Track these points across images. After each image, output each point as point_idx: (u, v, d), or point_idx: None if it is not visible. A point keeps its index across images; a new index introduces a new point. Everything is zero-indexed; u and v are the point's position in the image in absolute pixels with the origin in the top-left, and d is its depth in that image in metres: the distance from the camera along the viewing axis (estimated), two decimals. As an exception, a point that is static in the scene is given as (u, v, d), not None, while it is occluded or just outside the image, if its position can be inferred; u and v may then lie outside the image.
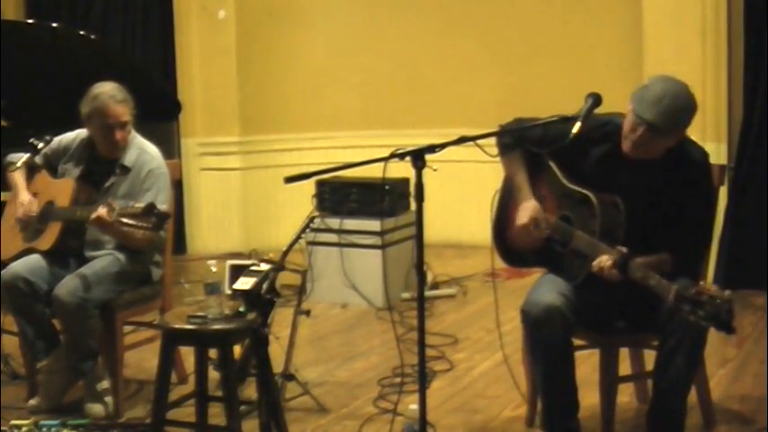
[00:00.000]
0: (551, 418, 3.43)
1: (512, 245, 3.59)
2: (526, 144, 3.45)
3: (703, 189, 3.33)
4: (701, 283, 2.87)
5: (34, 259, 3.94)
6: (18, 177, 4.11)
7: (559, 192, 3.45)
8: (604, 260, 3.15)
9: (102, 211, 3.67)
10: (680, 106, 3.13)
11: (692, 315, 2.84)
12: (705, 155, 3.34)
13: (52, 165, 4.14)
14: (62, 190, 4.00)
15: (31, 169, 4.14)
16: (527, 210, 3.44)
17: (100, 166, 4.04)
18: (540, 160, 3.49)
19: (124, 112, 3.95)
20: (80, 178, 4.02)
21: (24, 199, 4.04)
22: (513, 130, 3.44)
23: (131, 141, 4.03)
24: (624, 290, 3.21)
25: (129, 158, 4.00)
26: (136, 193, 3.93)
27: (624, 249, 3.10)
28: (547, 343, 3.30)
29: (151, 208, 3.54)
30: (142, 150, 4.04)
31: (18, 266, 3.89)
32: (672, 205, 3.28)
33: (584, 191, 3.33)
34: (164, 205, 3.83)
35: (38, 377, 4.02)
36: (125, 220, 3.60)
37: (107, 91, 3.94)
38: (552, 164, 3.48)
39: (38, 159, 4.11)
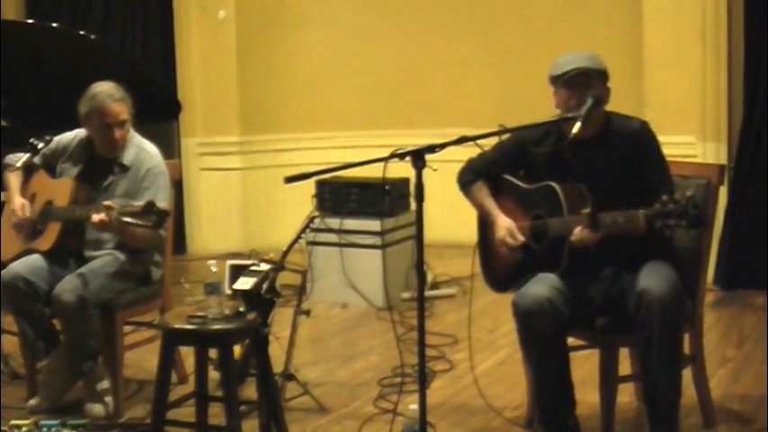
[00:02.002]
0: (547, 414, 3.43)
1: (500, 269, 3.65)
2: (527, 146, 3.51)
3: (651, 150, 3.44)
4: (663, 197, 3.01)
5: (34, 259, 3.94)
6: (13, 181, 4.10)
7: (523, 198, 3.55)
8: (578, 230, 3.23)
9: (100, 214, 3.68)
10: (588, 54, 3.43)
11: (667, 228, 2.99)
12: (643, 122, 3.49)
13: (51, 165, 4.14)
14: (61, 190, 4.00)
15: (29, 170, 4.14)
16: (500, 225, 3.53)
17: (99, 166, 4.04)
18: (496, 181, 3.64)
19: (122, 110, 3.95)
20: (79, 178, 4.02)
21: (17, 204, 4.04)
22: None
23: (130, 140, 4.03)
24: (605, 278, 3.34)
25: (127, 157, 4.01)
26: (135, 192, 3.93)
27: (587, 209, 3.21)
28: (538, 334, 3.32)
29: (150, 206, 3.54)
30: (141, 149, 4.04)
31: (18, 266, 3.89)
32: (627, 175, 3.38)
33: (544, 183, 3.43)
34: (163, 203, 3.83)
35: (38, 377, 4.02)
36: (126, 218, 3.60)
37: (105, 90, 3.94)
38: (508, 177, 3.61)
39: (36, 159, 4.12)
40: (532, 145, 3.49)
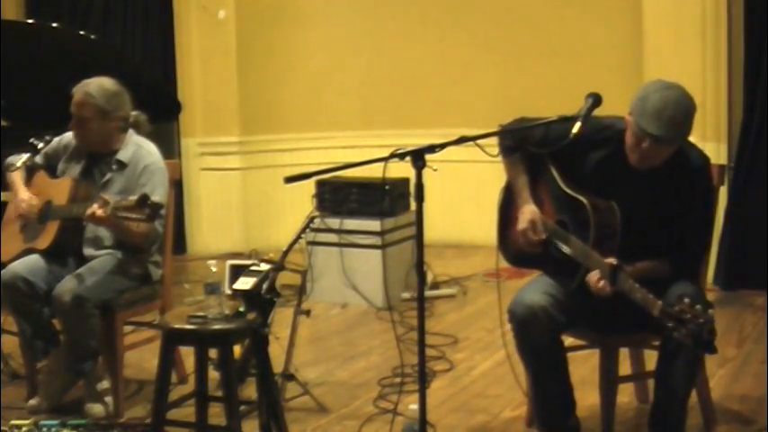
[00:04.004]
0: (546, 418, 3.43)
1: (514, 246, 3.60)
2: (526, 145, 3.44)
3: (703, 193, 3.33)
4: (686, 300, 2.84)
5: (33, 259, 3.94)
6: (16, 178, 4.11)
7: (558, 196, 3.45)
8: (594, 280, 3.16)
9: (95, 207, 3.68)
10: (682, 115, 3.10)
11: (676, 332, 2.84)
12: (705, 158, 3.34)
13: (52, 164, 4.15)
14: (60, 189, 4.01)
15: (30, 170, 4.15)
16: (525, 214, 3.45)
17: (98, 163, 4.04)
18: (540, 163, 3.50)
19: (85, 107, 3.93)
20: (79, 176, 4.02)
21: (24, 196, 4.05)
22: (512, 131, 3.44)
23: (129, 138, 4.03)
24: (617, 296, 3.22)
25: (125, 154, 4.00)
26: (132, 189, 3.91)
27: (614, 262, 3.10)
28: (533, 343, 3.31)
29: (144, 198, 3.53)
30: (139, 146, 4.03)
31: (18, 266, 3.89)
32: (671, 210, 3.27)
33: (579, 197, 3.32)
34: (159, 198, 3.83)
35: (38, 377, 4.02)
36: (120, 213, 3.59)
37: (85, 83, 3.95)
38: (552, 167, 3.48)
39: (38, 159, 4.13)
40: (585, 146, 3.30)
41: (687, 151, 3.29)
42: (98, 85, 3.96)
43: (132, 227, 3.78)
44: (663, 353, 3.28)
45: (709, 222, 3.42)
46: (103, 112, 3.95)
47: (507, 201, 3.64)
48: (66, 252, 4.00)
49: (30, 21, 6.47)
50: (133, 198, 3.59)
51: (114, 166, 4.00)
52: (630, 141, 3.21)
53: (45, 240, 3.98)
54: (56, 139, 4.14)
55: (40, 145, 4.06)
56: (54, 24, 5.73)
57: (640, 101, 3.13)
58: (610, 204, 3.26)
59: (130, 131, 4.05)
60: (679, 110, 3.10)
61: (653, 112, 3.08)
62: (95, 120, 3.95)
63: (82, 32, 5.69)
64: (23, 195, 4.06)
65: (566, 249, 3.30)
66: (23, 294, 3.85)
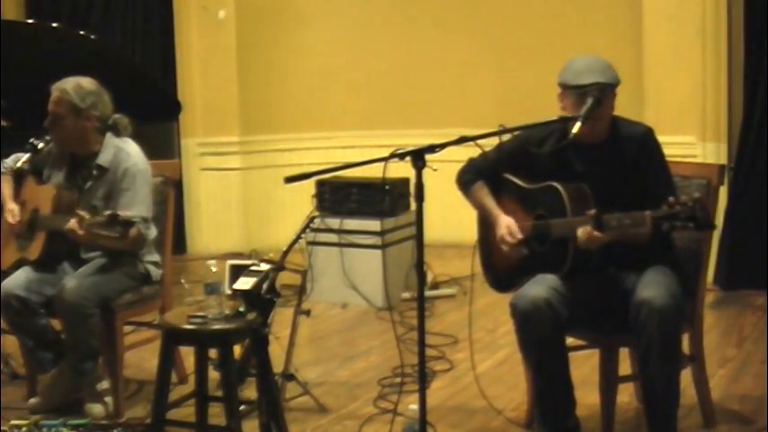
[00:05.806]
0: (547, 415, 3.43)
1: (502, 269, 3.64)
2: (529, 146, 3.50)
3: (655, 155, 3.44)
4: (670, 199, 2.97)
5: (24, 273, 3.90)
6: (5, 187, 4.08)
7: (525, 198, 3.54)
8: (583, 230, 3.21)
9: (72, 223, 3.66)
10: (604, 62, 3.39)
11: (674, 229, 2.96)
12: (648, 128, 3.48)
13: (39, 169, 4.10)
14: (45, 197, 3.96)
15: (19, 177, 4.11)
16: (500, 224, 3.52)
17: (79, 169, 4.00)
18: (497, 180, 3.62)
19: (58, 105, 3.90)
20: (62, 182, 3.99)
21: (7, 210, 4.01)
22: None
23: (108, 141, 3.98)
24: (607, 278, 3.33)
25: (105, 158, 3.94)
26: (115, 194, 3.89)
27: (593, 211, 3.19)
28: (536, 335, 3.32)
29: (114, 218, 3.49)
30: (119, 149, 3.96)
31: (9, 284, 3.85)
32: (631, 180, 3.37)
33: (547, 183, 3.42)
34: (142, 205, 3.82)
35: (38, 377, 4.01)
36: (95, 230, 3.56)
37: (63, 81, 3.92)
38: (510, 177, 3.59)
39: (25, 165, 4.07)
40: (535, 145, 3.48)
41: (627, 124, 3.47)
42: (74, 83, 3.92)
43: (113, 240, 3.72)
44: (638, 351, 3.31)
45: (669, 178, 3.47)
46: (77, 110, 3.89)
47: (484, 234, 3.71)
48: (60, 257, 3.97)
49: (30, 21, 6.47)
50: (106, 213, 3.54)
51: (95, 172, 3.95)
52: (572, 112, 3.34)
53: (35, 250, 3.95)
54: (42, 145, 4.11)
55: (41, 145, 4.04)
56: (54, 24, 5.73)
57: (568, 74, 3.40)
58: (578, 184, 3.38)
59: (110, 134, 4.00)
60: (600, 59, 3.42)
61: (585, 69, 3.36)
62: (69, 117, 3.90)
63: (82, 32, 5.69)
64: (10, 207, 4.02)
65: (551, 235, 3.36)
66: (18, 312, 3.83)
